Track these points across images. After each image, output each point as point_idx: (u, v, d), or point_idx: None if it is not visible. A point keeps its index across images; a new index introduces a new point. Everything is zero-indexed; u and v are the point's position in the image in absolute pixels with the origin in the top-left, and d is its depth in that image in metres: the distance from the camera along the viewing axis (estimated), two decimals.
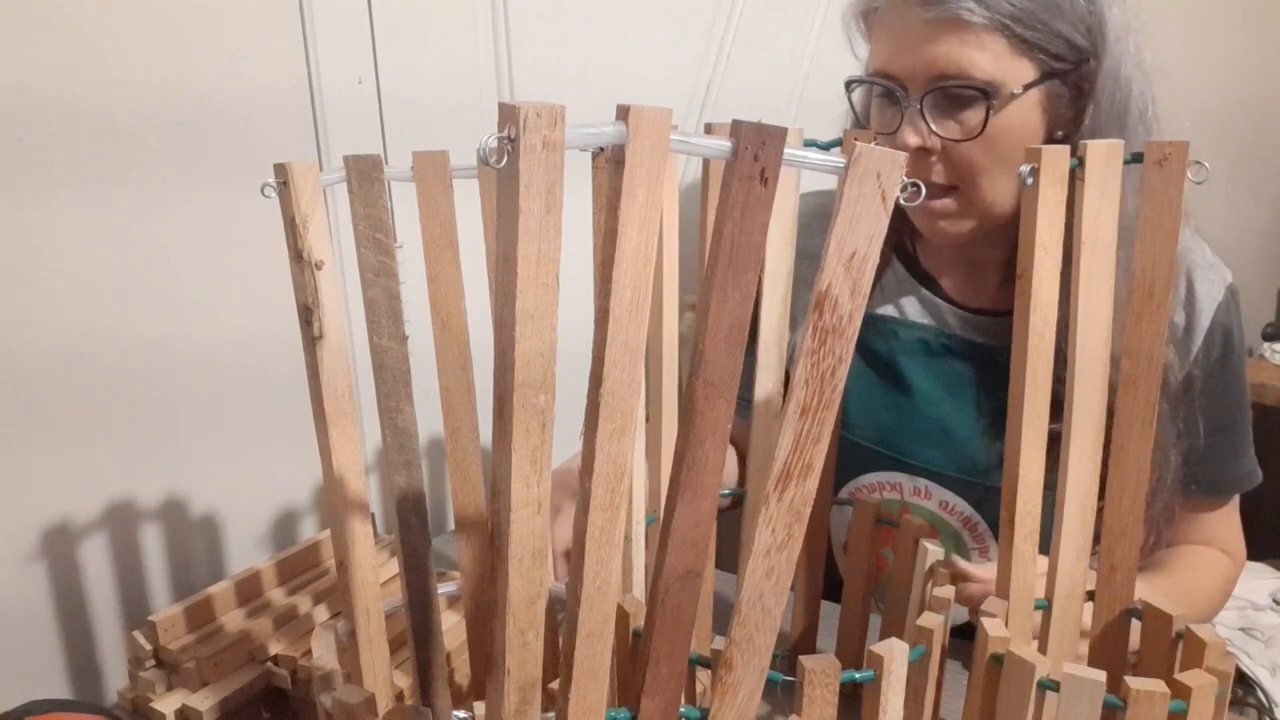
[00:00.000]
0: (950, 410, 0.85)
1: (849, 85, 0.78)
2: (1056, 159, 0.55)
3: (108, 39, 0.70)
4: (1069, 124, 0.77)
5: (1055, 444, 0.82)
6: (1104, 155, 0.56)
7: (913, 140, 0.73)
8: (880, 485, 0.87)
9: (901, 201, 0.39)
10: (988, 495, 0.84)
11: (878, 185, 0.37)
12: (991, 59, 0.73)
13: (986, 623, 0.55)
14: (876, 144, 0.73)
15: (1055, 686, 0.49)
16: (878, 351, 0.86)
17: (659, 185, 0.35)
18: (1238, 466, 0.85)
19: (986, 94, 0.73)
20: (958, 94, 0.73)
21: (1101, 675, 0.47)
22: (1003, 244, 0.85)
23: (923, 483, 0.86)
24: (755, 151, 0.36)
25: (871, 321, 0.85)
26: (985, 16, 0.71)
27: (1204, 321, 0.81)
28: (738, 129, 0.35)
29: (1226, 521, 0.87)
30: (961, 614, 0.74)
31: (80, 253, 0.72)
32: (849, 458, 0.84)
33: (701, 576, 0.41)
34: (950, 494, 0.85)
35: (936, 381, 0.85)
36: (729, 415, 0.39)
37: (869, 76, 0.76)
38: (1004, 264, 0.87)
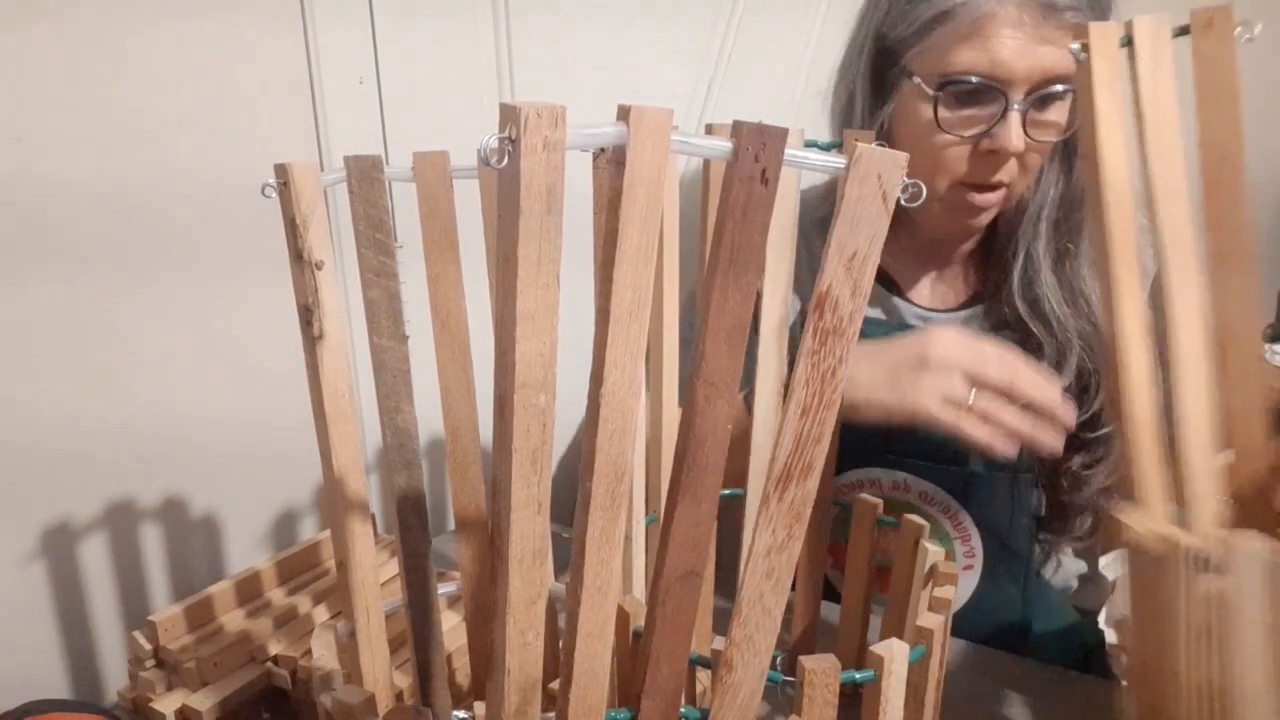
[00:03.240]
0: None
1: (943, 86, 0.75)
2: (1107, 34, 0.53)
3: (109, 34, 0.70)
4: None
5: (1080, 443, 0.82)
6: (1150, 29, 0.54)
7: (1016, 145, 0.74)
8: (859, 484, 0.87)
9: (903, 202, 0.39)
10: (966, 482, 0.86)
11: (879, 186, 0.37)
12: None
13: (1120, 512, 0.49)
14: (954, 140, 0.76)
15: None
16: None
17: (659, 185, 0.35)
18: None
19: None
20: (1056, 95, 0.74)
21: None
22: (972, 237, 0.88)
23: (900, 476, 0.87)
24: (756, 152, 0.36)
25: None
26: (1086, 19, 0.73)
27: (1147, 285, 0.84)
28: (738, 130, 0.35)
29: None
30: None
31: (74, 249, 0.72)
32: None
33: (702, 577, 0.41)
34: (929, 484, 0.86)
35: None
36: (729, 415, 0.39)
37: (967, 76, 0.73)
38: (969, 256, 0.90)
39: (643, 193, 0.35)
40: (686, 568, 0.40)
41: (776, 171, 0.36)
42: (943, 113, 0.75)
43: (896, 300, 0.89)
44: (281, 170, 0.47)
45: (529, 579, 0.37)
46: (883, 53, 0.81)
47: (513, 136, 0.31)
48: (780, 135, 0.35)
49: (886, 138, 0.82)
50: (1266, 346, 1.63)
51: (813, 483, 0.40)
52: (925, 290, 0.90)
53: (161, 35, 0.73)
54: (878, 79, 0.81)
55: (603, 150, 0.52)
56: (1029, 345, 0.82)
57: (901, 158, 0.37)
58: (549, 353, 0.34)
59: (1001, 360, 0.69)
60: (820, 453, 0.40)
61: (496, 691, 0.39)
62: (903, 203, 0.39)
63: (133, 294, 0.75)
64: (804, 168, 0.38)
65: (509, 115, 0.31)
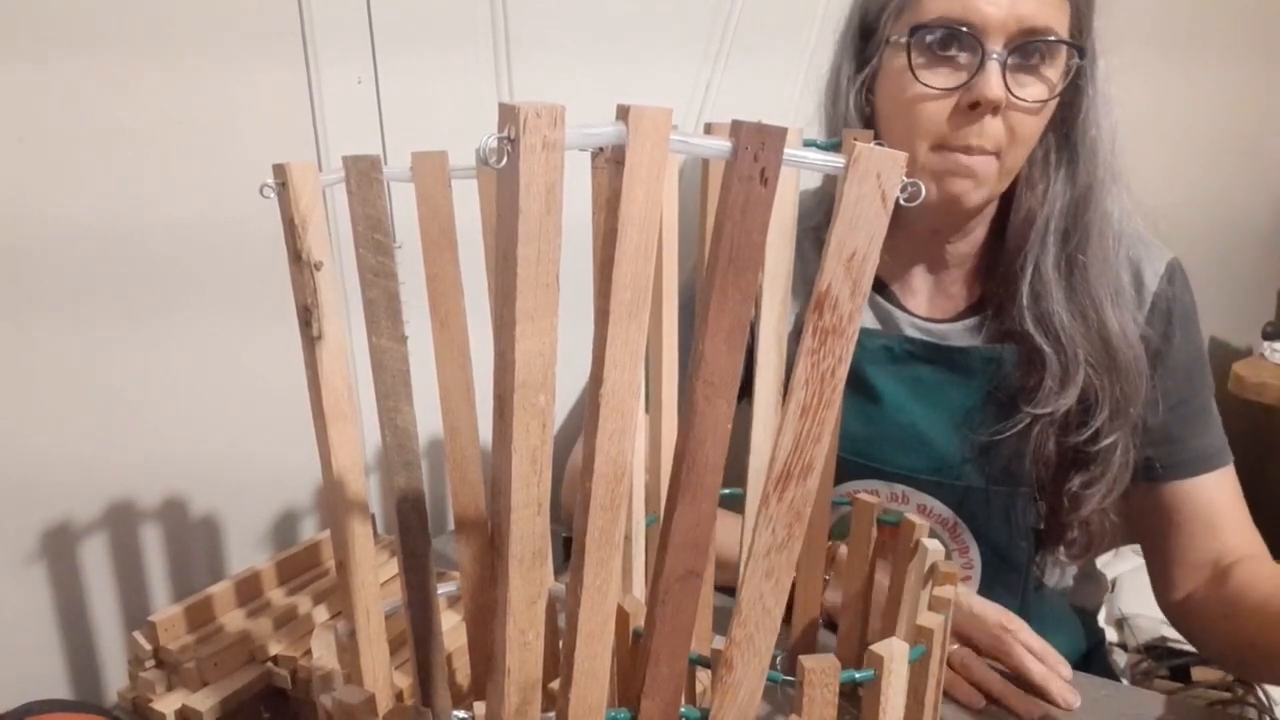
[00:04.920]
0: (920, 414, 0.85)
1: (915, 30, 0.73)
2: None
3: (107, 40, 0.70)
4: (1054, 116, 0.78)
5: (1082, 460, 0.82)
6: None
7: (995, 93, 0.71)
8: (857, 494, 0.87)
9: (902, 201, 0.39)
10: (964, 496, 0.85)
11: (878, 185, 0.37)
12: (1063, 20, 0.73)
13: None
14: (929, 96, 0.74)
15: None
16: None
17: (659, 185, 0.35)
18: (1210, 441, 0.86)
19: (1081, 53, 0.73)
20: (1041, 50, 0.72)
21: None
22: (969, 236, 0.86)
23: (899, 488, 0.86)
24: (755, 151, 0.36)
25: None
26: None
27: (1147, 295, 0.83)
28: (738, 129, 0.35)
29: (1245, 515, 0.86)
30: None
31: (70, 250, 0.72)
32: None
33: (702, 577, 0.41)
34: (927, 497, 0.86)
35: (903, 386, 0.86)
36: (729, 415, 0.39)
37: (941, 22, 0.72)
38: (970, 266, 0.88)
39: (642, 192, 0.35)
40: (686, 568, 0.40)
41: (776, 171, 0.36)
42: (917, 61, 0.73)
43: (893, 309, 0.88)
44: (280, 170, 0.47)
45: (529, 579, 0.37)
46: (864, 27, 0.80)
47: (511, 136, 0.31)
48: (779, 134, 0.35)
49: (870, 114, 0.81)
50: (1266, 345, 1.62)
51: (812, 482, 0.40)
52: (923, 299, 0.89)
53: (158, 35, 0.73)
54: (860, 53, 0.81)
55: (601, 150, 0.52)
56: (1034, 361, 0.81)
57: (901, 157, 0.37)
58: (548, 352, 0.34)
59: (997, 626, 0.71)
60: (820, 452, 0.40)
61: (496, 691, 0.39)
62: (902, 202, 0.39)
63: (132, 297, 0.75)
64: (803, 167, 0.38)
65: (508, 115, 0.31)
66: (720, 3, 1.12)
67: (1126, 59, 0.79)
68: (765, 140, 0.35)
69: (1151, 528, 0.88)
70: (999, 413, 0.83)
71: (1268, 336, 1.67)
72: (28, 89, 0.67)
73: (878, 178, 0.37)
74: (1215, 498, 0.85)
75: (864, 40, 0.81)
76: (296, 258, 0.48)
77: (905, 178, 0.38)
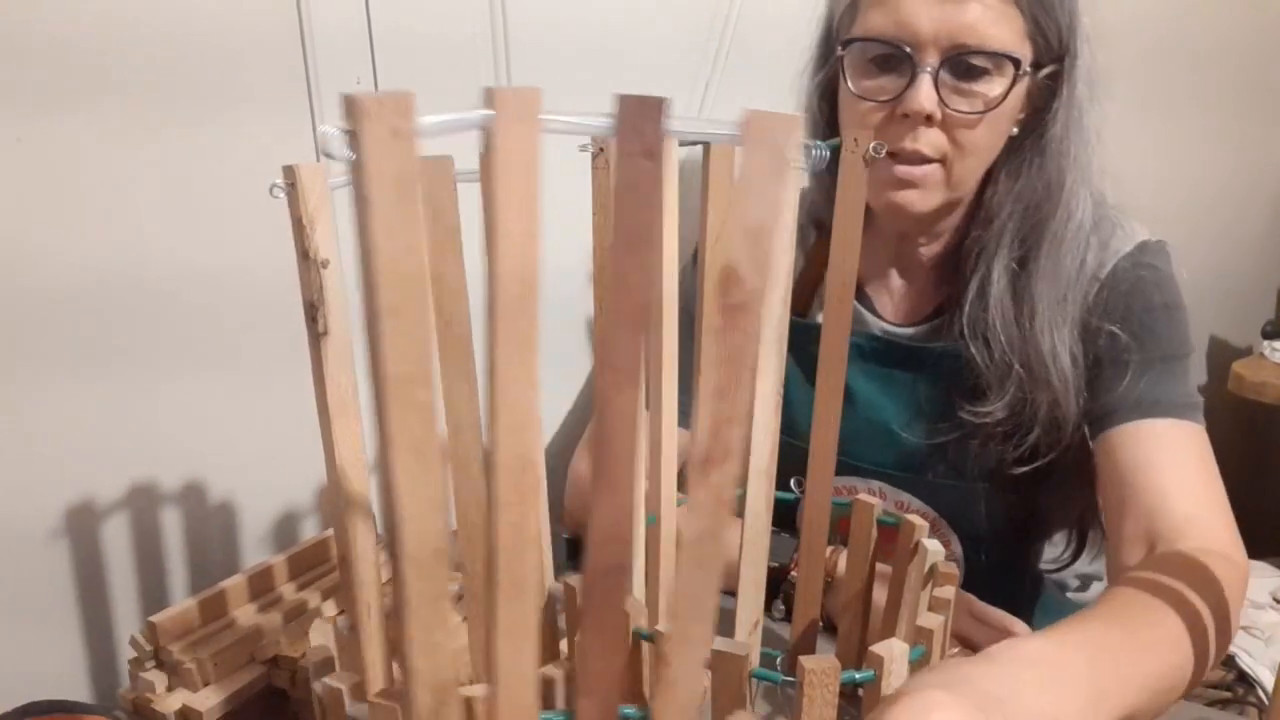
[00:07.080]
0: (891, 411, 0.85)
1: (846, 44, 0.76)
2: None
3: (108, 42, 0.72)
4: (1028, 121, 0.77)
5: (1036, 480, 0.79)
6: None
7: (927, 106, 0.72)
8: (835, 491, 0.85)
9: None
10: (938, 491, 0.85)
11: (774, 151, 0.35)
12: (1009, 34, 0.72)
13: None
14: (873, 106, 0.75)
15: None
16: (815, 359, 0.84)
17: (534, 168, 0.34)
18: (1173, 392, 0.74)
19: (1016, 66, 0.73)
20: (977, 65, 0.72)
21: None
22: (939, 238, 0.85)
23: (876, 484, 0.86)
24: (639, 126, 0.34)
25: (808, 330, 0.82)
26: None
27: (1103, 272, 0.79)
28: (620, 104, 0.34)
29: (1204, 490, 0.70)
30: None
31: (72, 253, 0.74)
32: (801, 465, 0.77)
33: (629, 571, 0.40)
34: (904, 494, 0.85)
35: (874, 384, 0.85)
36: (636, 401, 0.37)
37: (873, 37, 0.73)
38: (935, 263, 0.86)
39: (518, 176, 0.34)
40: (610, 563, 0.39)
41: (659, 144, 0.34)
42: (853, 71, 0.76)
43: (863, 311, 0.88)
44: (289, 172, 0.48)
45: (429, 577, 0.37)
46: (826, 29, 0.83)
47: (352, 129, 0.31)
48: (656, 105, 0.34)
49: (831, 116, 0.83)
50: (1266, 344, 1.60)
51: (732, 466, 0.38)
52: (891, 303, 0.89)
53: (157, 35, 0.74)
54: (821, 52, 0.84)
55: (601, 150, 0.51)
56: (973, 364, 0.79)
57: (796, 119, 0.35)
58: (422, 345, 0.34)
59: (1000, 630, 0.69)
60: (739, 436, 0.38)
61: (408, 694, 0.39)
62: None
63: (133, 303, 0.77)
64: (688, 136, 0.36)
65: (351, 107, 0.31)
66: (720, 3, 1.10)
67: (1126, 62, 0.78)
68: (644, 112, 0.34)
69: (1098, 503, 0.79)
70: (958, 411, 0.81)
71: (1268, 336, 1.63)
72: (25, 91, 0.70)
73: (774, 142, 0.35)
74: (1151, 451, 0.70)
75: (825, 40, 0.83)
76: (304, 255, 0.49)
77: (805, 140, 0.36)
